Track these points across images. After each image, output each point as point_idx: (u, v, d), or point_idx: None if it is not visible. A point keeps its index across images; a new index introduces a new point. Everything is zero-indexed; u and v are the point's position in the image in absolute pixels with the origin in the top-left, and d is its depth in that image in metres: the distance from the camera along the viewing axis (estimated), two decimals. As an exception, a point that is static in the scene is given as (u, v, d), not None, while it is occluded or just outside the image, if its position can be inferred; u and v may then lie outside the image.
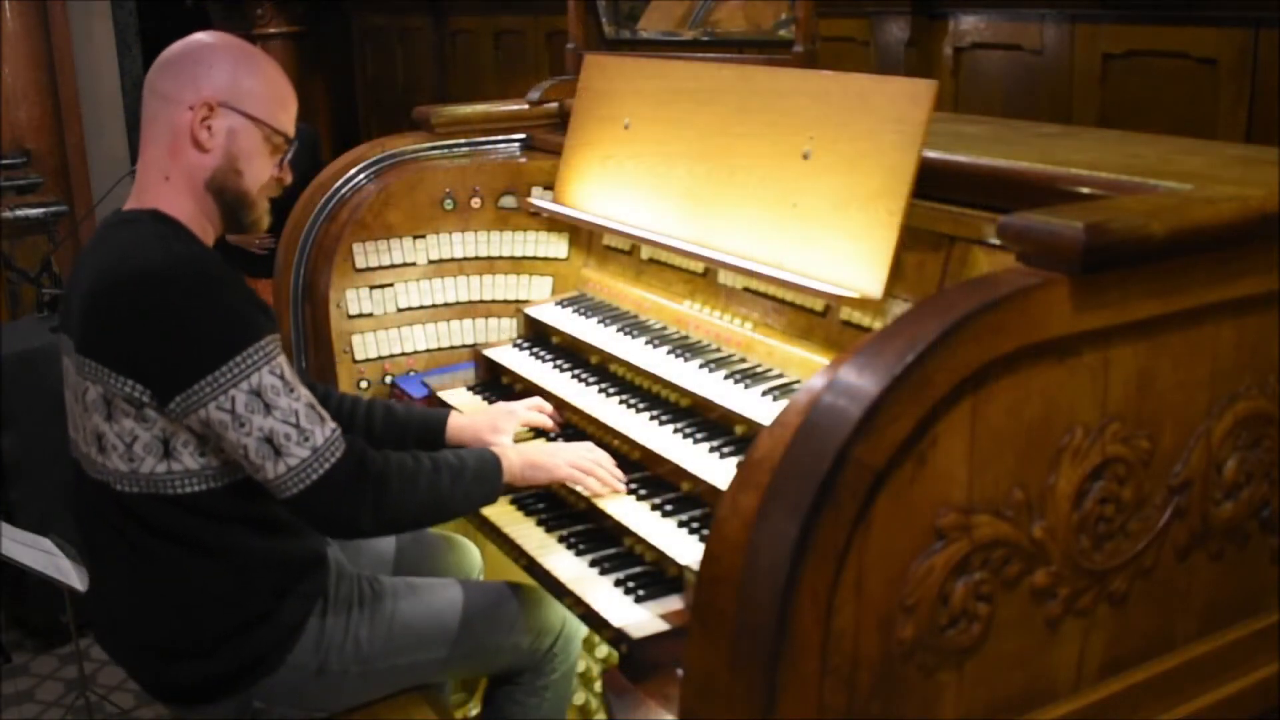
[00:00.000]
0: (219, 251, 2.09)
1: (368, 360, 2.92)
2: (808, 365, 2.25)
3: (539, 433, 2.55)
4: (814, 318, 2.30)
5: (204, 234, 2.05)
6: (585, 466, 2.25)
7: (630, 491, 2.25)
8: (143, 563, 2.03)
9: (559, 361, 2.71)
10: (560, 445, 2.33)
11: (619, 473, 2.27)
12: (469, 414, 2.50)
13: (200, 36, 2.07)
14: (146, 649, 2.10)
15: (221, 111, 2.01)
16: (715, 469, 2.15)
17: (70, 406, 2.06)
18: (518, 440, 2.48)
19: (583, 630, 2.36)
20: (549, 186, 2.98)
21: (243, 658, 2.04)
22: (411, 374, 2.94)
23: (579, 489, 2.27)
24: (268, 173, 2.08)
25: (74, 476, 2.11)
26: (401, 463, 2.03)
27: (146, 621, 2.07)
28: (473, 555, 2.63)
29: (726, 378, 2.32)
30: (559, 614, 2.30)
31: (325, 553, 2.17)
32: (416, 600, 2.21)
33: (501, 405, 2.54)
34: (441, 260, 2.99)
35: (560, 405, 2.56)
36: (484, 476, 2.15)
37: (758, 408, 2.19)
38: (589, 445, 2.32)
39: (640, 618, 1.96)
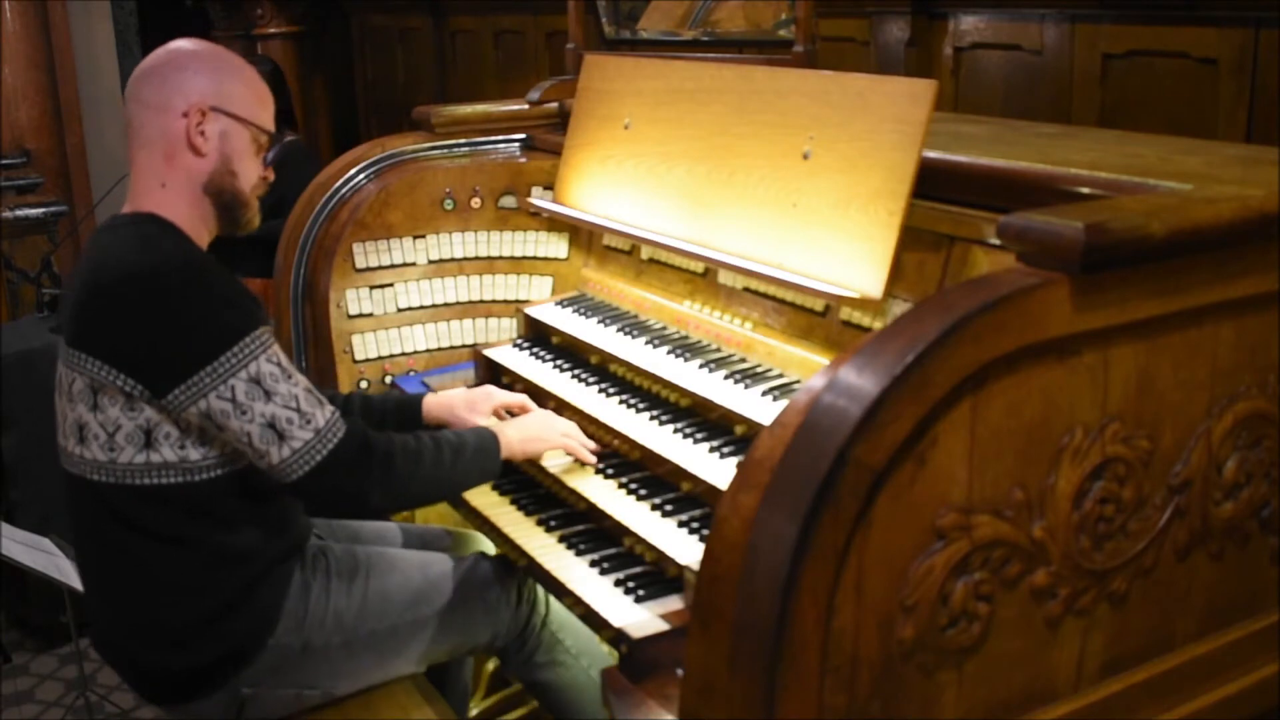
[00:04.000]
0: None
1: (368, 360, 2.92)
2: (808, 365, 2.25)
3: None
4: (814, 318, 2.30)
5: (199, 237, 2.10)
6: (578, 435, 2.36)
7: (630, 491, 2.25)
8: (118, 556, 2.06)
9: (559, 361, 2.71)
10: (549, 416, 2.41)
11: (590, 443, 2.38)
12: (444, 393, 2.53)
13: (177, 44, 2.12)
14: (128, 644, 2.12)
15: (213, 115, 2.07)
16: (715, 469, 2.14)
17: (57, 404, 2.09)
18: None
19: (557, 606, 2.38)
20: (549, 186, 2.98)
21: (222, 648, 2.07)
22: (411, 374, 2.94)
23: (568, 461, 2.37)
24: (256, 172, 2.14)
25: (64, 476, 2.14)
26: (404, 442, 2.10)
27: (125, 616, 2.10)
28: (485, 547, 2.64)
29: (726, 378, 2.32)
30: (532, 584, 2.34)
31: (299, 545, 2.19)
32: (391, 568, 2.25)
33: (479, 388, 2.57)
34: (441, 260, 2.99)
35: (560, 405, 2.56)
36: (485, 451, 2.22)
37: (758, 408, 2.19)
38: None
39: (640, 618, 1.96)
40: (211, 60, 2.10)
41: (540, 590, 2.35)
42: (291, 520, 2.17)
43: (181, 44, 2.12)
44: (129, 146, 2.11)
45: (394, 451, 2.07)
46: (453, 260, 3.00)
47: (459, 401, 2.48)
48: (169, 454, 1.99)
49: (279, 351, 1.99)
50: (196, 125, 2.05)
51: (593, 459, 2.35)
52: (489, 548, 2.63)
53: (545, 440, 2.33)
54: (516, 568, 2.33)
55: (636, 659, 1.89)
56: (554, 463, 2.41)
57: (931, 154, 2.05)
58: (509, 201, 3.03)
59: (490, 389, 2.55)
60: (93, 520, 2.07)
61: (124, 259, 1.98)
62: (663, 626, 1.93)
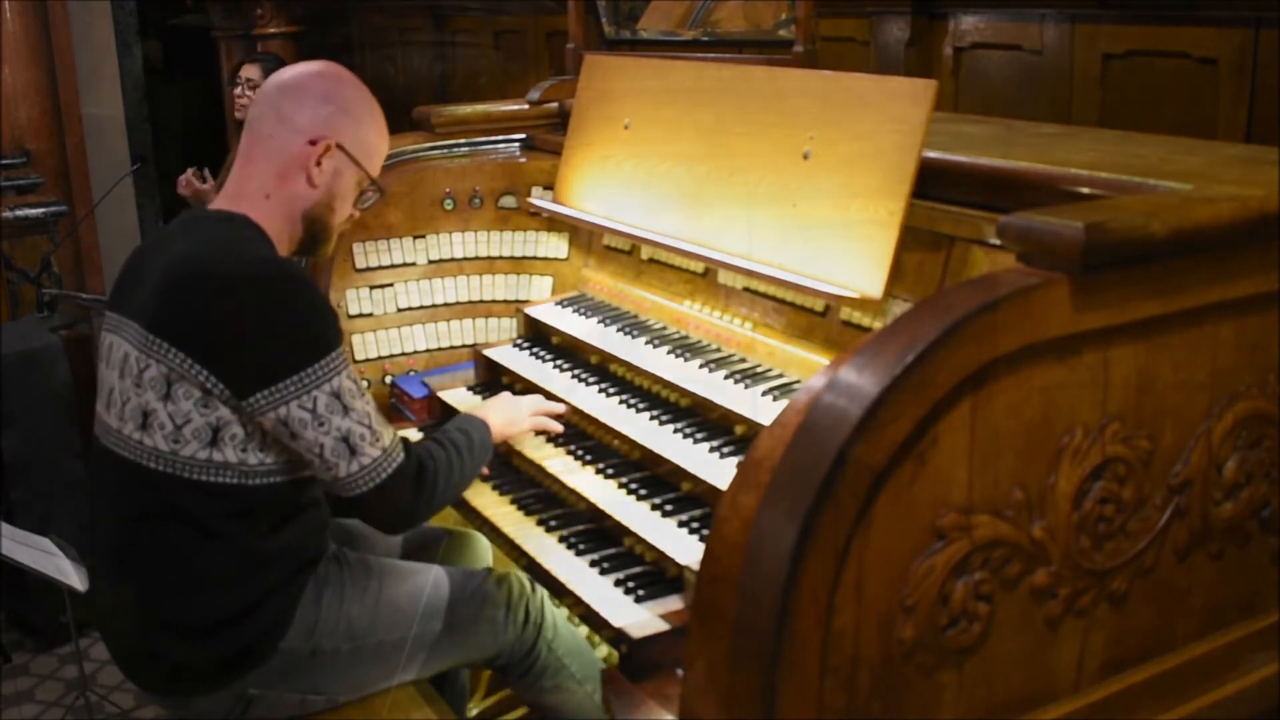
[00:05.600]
0: None
1: (368, 360, 2.92)
2: (808, 365, 2.25)
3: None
4: (814, 318, 2.30)
5: (282, 249, 2.15)
6: (545, 410, 2.50)
7: (630, 491, 2.25)
8: (151, 541, 2.06)
9: (559, 361, 2.71)
10: (512, 398, 2.52)
11: (559, 407, 2.52)
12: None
13: (335, 72, 2.19)
14: (140, 630, 2.11)
15: (336, 153, 2.13)
16: (715, 469, 2.15)
17: (110, 382, 2.09)
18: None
19: (560, 612, 2.37)
20: (549, 186, 2.98)
21: (234, 647, 2.07)
22: (411, 374, 2.94)
23: (568, 460, 2.41)
24: (348, 211, 2.23)
25: (94, 454, 2.16)
26: (445, 459, 2.19)
27: (143, 601, 2.09)
28: (484, 547, 2.64)
29: (726, 378, 2.32)
30: (539, 596, 2.34)
31: (320, 553, 2.19)
32: (401, 578, 2.26)
33: (505, 396, 2.56)
34: (441, 260, 2.99)
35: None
36: (485, 447, 2.34)
37: (758, 408, 2.19)
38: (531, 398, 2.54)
39: (640, 618, 1.96)
40: (356, 100, 2.17)
41: (548, 613, 2.34)
42: (321, 529, 2.19)
43: (337, 73, 2.19)
44: (246, 142, 2.15)
45: (439, 471, 2.15)
46: (453, 260, 3.00)
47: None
48: (230, 455, 2.00)
49: (353, 370, 2.05)
50: (318, 157, 2.11)
51: (559, 427, 2.49)
52: (486, 548, 2.64)
53: (518, 426, 2.46)
54: (526, 588, 2.33)
55: (636, 659, 1.89)
56: (554, 463, 2.41)
57: (931, 154, 2.05)
58: (509, 201, 3.03)
59: (519, 401, 2.55)
60: (131, 503, 2.07)
61: (224, 255, 2.00)
62: (663, 626, 1.93)
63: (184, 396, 1.98)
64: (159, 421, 2.01)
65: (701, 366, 2.39)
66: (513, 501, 2.43)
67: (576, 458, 2.42)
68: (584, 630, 2.39)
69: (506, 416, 2.44)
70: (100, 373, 2.14)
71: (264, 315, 1.96)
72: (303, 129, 2.11)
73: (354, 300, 2.90)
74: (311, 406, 1.97)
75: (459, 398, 2.81)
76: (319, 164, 2.11)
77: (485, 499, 2.45)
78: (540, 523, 2.33)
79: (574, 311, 2.81)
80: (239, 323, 1.96)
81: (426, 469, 2.13)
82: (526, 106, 3.21)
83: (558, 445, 2.49)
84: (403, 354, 2.96)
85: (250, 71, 4.86)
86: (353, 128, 2.15)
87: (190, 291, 1.99)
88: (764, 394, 2.23)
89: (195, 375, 1.96)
